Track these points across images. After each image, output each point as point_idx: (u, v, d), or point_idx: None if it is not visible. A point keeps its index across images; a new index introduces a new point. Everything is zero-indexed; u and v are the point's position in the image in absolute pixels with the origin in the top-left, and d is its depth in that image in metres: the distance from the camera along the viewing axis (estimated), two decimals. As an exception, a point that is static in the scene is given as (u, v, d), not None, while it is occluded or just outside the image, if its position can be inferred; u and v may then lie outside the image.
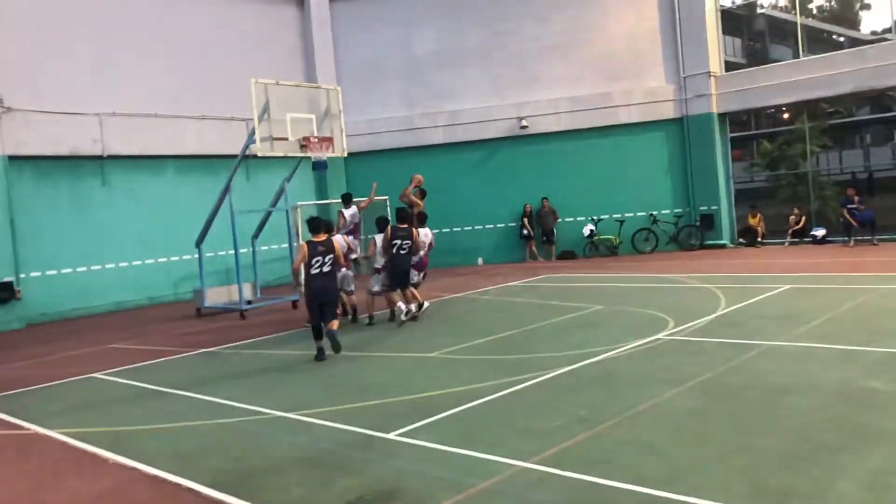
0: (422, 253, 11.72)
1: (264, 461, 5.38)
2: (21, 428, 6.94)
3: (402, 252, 11.20)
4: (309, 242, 9.23)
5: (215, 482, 5.00)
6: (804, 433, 5.04)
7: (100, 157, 16.59)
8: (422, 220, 11.91)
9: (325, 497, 4.63)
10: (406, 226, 11.29)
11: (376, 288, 11.54)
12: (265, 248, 17.16)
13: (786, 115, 31.49)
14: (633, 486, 4.32)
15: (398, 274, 11.34)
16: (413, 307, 11.38)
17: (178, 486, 5.02)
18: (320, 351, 9.03)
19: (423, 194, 12.68)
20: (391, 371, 8.31)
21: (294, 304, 14.13)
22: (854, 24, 53.71)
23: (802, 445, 4.81)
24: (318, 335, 9.10)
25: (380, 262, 11.42)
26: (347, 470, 5.05)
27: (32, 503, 5.04)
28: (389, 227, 11.31)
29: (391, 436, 5.67)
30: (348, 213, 12.29)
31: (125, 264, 16.95)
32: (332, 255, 9.21)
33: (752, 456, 4.69)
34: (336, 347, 8.95)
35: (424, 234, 11.72)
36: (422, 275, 12.08)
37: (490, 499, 4.38)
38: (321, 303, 9.09)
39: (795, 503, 3.99)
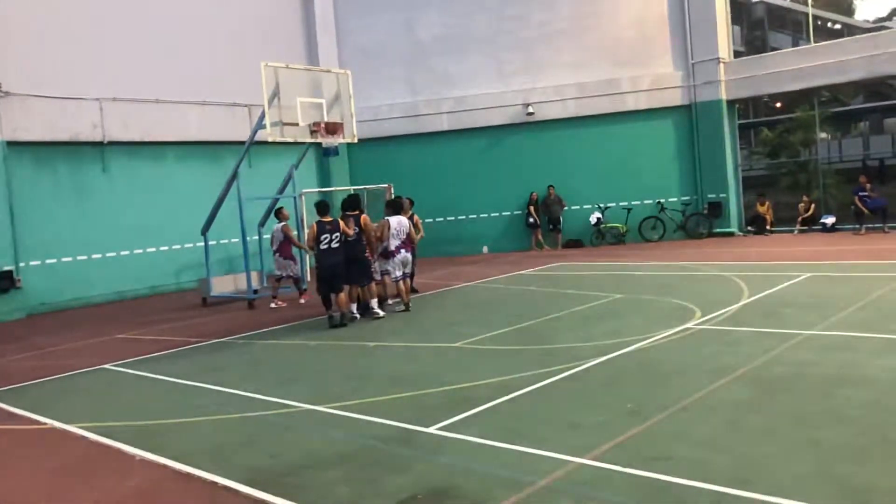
0: (393, 243, 10.98)
1: (302, 457, 5.13)
2: (38, 423, 6.64)
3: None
4: (318, 222, 10.25)
5: (253, 480, 4.74)
6: (871, 427, 4.82)
7: (100, 144, 16.18)
8: (396, 208, 11.34)
9: (373, 496, 4.37)
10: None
11: (398, 273, 11.13)
12: (268, 236, 16.80)
13: (778, 105, 31.33)
14: (703, 483, 4.09)
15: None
16: (354, 308, 10.85)
17: (214, 484, 4.77)
18: (331, 317, 10.28)
19: (411, 203, 12.84)
20: (416, 362, 8.05)
21: (301, 293, 13.82)
22: (849, 12, 53.81)
23: (873, 440, 4.59)
24: (327, 304, 10.30)
25: (383, 247, 11.13)
26: (392, 467, 4.81)
27: None
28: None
29: (432, 430, 5.43)
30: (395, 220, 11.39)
31: (126, 253, 16.58)
32: (338, 234, 10.21)
33: (823, 451, 4.47)
34: (346, 320, 10.25)
35: (398, 223, 11.07)
36: (398, 267, 11.19)
37: (554, 497, 4.14)
38: (329, 275, 10.18)
39: (882, 501, 3.79)
